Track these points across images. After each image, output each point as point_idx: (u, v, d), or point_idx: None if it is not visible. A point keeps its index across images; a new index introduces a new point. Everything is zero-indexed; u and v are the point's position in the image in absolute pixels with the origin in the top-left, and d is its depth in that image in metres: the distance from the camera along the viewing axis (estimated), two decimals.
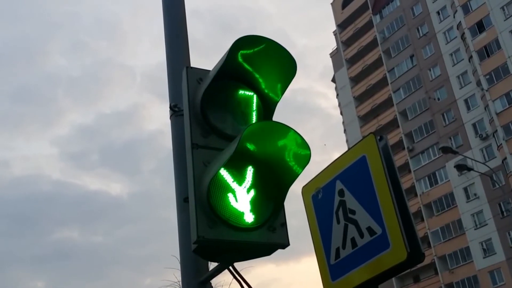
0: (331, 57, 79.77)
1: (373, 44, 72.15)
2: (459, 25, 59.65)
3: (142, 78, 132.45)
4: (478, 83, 56.56)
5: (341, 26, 77.82)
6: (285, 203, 3.31)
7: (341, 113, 76.12)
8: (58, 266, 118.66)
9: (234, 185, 3.20)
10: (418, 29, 65.58)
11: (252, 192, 3.24)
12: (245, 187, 3.23)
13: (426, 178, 60.97)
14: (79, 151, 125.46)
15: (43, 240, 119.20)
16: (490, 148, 55.04)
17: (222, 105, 3.48)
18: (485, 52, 56.44)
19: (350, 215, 3.10)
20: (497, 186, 46.21)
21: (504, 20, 55.63)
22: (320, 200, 3.33)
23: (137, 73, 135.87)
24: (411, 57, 65.91)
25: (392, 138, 63.45)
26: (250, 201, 3.21)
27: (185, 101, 3.41)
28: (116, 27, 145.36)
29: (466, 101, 58.66)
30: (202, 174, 3.16)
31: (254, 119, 3.51)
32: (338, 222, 3.17)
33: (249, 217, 3.17)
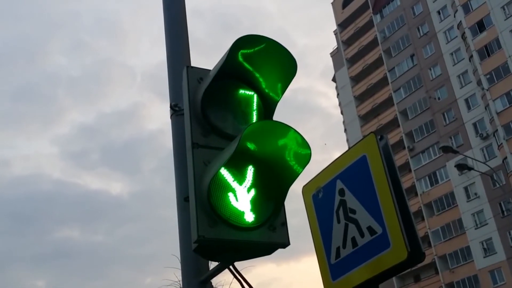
0: (331, 56, 79.77)
1: (373, 44, 72.14)
2: (459, 25, 59.63)
3: (143, 77, 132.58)
4: (479, 83, 56.55)
5: (342, 25, 77.81)
6: (286, 203, 3.31)
7: (342, 113, 76.13)
8: (58, 266, 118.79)
9: (234, 184, 3.20)
10: (418, 29, 65.57)
11: (253, 192, 3.24)
12: (245, 186, 3.23)
13: (427, 177, 60.97)
14: (80, 150, 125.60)
15: (44, 240, 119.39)
16: (491, 147, 55.03)
17: (222, 105, 3.49)
18: (486, 51, 56.42)
19: (350, 215, 3.10)
20: (498, 185, 46.21)
21: (505, 20, 55.61)
22: (321, 200, 3.33)
23: (138, 72, 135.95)
24: (412, 56, 65.90)
25: (392, 137, 63.43)
26: (250, 201, 3.21)
27: (186, 101, 3.41)
28: (117, 27, 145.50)
29: (466, 100, 58.65)
30: (203, 174, 3.17)
31: (254, 119, 3.51)
32: (339, 221, 3.17)
33: (249, 217, 3.17)
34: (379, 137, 3.06)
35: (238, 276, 3.21)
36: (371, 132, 3.16)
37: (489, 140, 55.10)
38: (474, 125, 57.08)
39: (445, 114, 60.41)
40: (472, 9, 58.44)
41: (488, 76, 55.42)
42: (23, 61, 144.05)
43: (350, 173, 3.16)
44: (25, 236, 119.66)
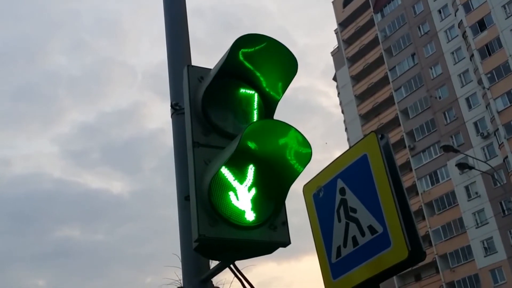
0: (332, 55, 79.75)
1: (374, 43, 72.10)
2: (460, 24, 59.59)
3: (143, 76, 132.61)
4: (480, 82, 56.52)
5: (343, 24, 77.78)
6: (286, 202, 3.31)
7: (342, 112, 76.12)
8: (59, 265, 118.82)
9: (235, 183, 3.20)
10: (419, 28, 65.53)
11: (253, 191, 3.24)
12: (246, 185, 3.23)
13: (427, 176, 60.96)
14: (80, 149, 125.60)
15: (44, 239, 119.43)
16: (492, 146, 55.01)
17: (223, 104, 3.49)
18: (487, 50, 56.39)
19: (351, 214, 3.11)
20: (498, 184, 46.16)
21: (506, 19, 55.57)
22: (321, 199, 3.34)
23: (138, 71, 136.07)
24: (413, 55, 65.86)
25: (393, 136, 63.44)
26: (251, 200, 3.21)
27: (186, 100, 3.41)
28: (117, 26, 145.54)
29: (467, 99, 58.63)
30: (203, 173, 3.17)
31: (255, 118, 3.51)
32: (339, 220, 3.17)
33: (250, 216, 3.17)
34: (380, 136, 3.06)
35: (238, 275, 3.21)
36: (372, 131, 3.16)
37: (490, 139, 55.08)
38: (475, 124, 57.06)
39: (446, 113, 60.38)
40: (473, 8, 58.39)
41: (489, 75, 55.39)
42: (23, 61, 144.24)
43: (351, 172, 3.16)
44: (26, 235, 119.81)
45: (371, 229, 2.96)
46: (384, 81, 70.00)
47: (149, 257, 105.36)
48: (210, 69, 3.50)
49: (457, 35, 60.65)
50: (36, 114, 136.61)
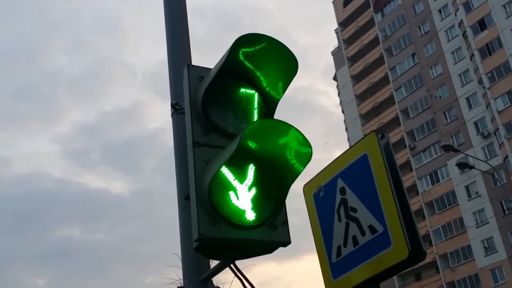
0: (332, 55, 79.75)
1: (374, 42, 72.09)
2: (460, 23, 59.57)
3: (143, 76, 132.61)
4: (480, 81, 56.51)
5: (343, 24, 77.77)
6: (287, 201, 3.31)
7: (343, 111, 76.11)
8: (59, 264, 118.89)
9: (235, 183, 3.20)
10: (419, 27, 65.52)
11: (254, 190, 3.24)
12: (246, 185, 3.23)
13: (428, 176, 60.96)
14: (80, 149, 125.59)
15: (44, 238, 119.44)
16: (492, 146, 55.00)
17: (223, 103, 3.48)
18: (487, 50, 56.38)
19: (351, 213, 3.10)
20: (499, 184, 46.17)
21: (506, 18, 55.55)
22: (322, 198, 3.34)
23: (138, 71, 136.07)
24: (413, 55, 65.85)
25: (393, 136, 63.43)
26: (251, 199, 3.21)
27: (186, 99, 3.41)
28: (117, 25, 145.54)
29: (467, 99, 58.62)
30: (204, 172, 3.16)
31: (255, 117, 3.51)
32: (340, 220, 3.17)
33: (250, 215, 3.17)
34: (380, 135, 3.06)
35: (239, 274, 3.21)
36: (372, 131, 3.16)
37: (490, 138, 55.07)
38: (475, 123, 57.06)
39: (446, 113, 60.38)
40: (473, 8, 58.38)
41: (489, 75, 55.38)
42: (24, 60, 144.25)
43: (351, 172, 3.16)
44: (26, 235, 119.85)
45: (372, 229, 2.96)
46: (384, 80, 69.99)
47: (149, 257, 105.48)
48: (210, 68, 3.50)
49: (458, 35, 60.64)
50: (36, 114, 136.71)
